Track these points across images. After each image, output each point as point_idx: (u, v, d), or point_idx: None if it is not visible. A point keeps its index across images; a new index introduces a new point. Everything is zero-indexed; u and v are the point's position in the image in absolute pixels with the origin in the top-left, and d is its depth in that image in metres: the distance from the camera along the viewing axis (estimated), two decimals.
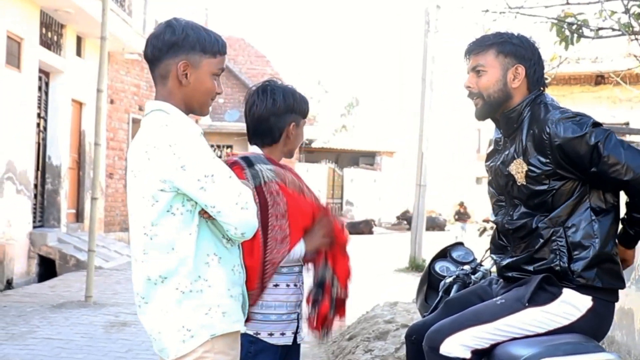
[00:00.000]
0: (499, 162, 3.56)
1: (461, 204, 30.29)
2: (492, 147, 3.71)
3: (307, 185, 3.58)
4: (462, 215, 30.03)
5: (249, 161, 3.45)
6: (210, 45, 2.90)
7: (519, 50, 3.49)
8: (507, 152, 3.51)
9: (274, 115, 3.58)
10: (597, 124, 3.32)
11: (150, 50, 2.91)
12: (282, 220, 3.34)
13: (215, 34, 2.94)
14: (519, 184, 3.42)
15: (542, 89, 3.53)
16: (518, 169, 3.42)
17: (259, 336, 3.41)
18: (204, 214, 2.80)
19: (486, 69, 3.48)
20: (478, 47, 3.52)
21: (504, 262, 3.52)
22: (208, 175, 2.71)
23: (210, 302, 2.80)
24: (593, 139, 3.26)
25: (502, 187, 3.55)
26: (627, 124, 15.18)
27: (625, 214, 3.43)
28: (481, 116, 3.57)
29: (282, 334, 3.47)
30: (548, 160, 3.33)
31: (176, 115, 2.84)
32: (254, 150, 3.63)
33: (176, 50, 2.86)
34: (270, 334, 3.45)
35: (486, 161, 3.76)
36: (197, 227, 2.79)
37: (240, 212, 2.74)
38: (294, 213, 3.40)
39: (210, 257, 2.82)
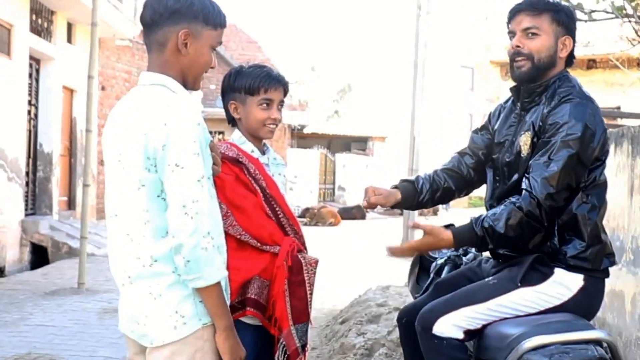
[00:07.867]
0: (511, 137, 3.48)
1: None
2: (499, 119, 3.62)
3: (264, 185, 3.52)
4: None
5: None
6: (213, 16, 2.76)
7: (570, 22, 3.42)
8: (520, 125, 3.44)
9: (222, 97, 3.65)
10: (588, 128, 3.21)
11: (149, 13, 2.74)
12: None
13: (219, 6, 2.80)
14: (522, 157, 3.36)
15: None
16: (525, 141, 3.36)
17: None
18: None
19: (540, 32, 3.37)
20: (532, 8, 3.39)
21: None
22: (179, 166, 2.57)
23: None
24: (564, 131, 3.21)
25: (505, 163, 3.47)
26: (619, 107, 15.25)
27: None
28: (525, 79, 3.42)
29: None
30: None
31: (181, 96, 2.70)
32: (235, 133, 3.67)
33: (178, 18, 2.70)
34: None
35: (478, 131, 3.73)
36: None
37: (180, 217, 2.57)
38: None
39: None
